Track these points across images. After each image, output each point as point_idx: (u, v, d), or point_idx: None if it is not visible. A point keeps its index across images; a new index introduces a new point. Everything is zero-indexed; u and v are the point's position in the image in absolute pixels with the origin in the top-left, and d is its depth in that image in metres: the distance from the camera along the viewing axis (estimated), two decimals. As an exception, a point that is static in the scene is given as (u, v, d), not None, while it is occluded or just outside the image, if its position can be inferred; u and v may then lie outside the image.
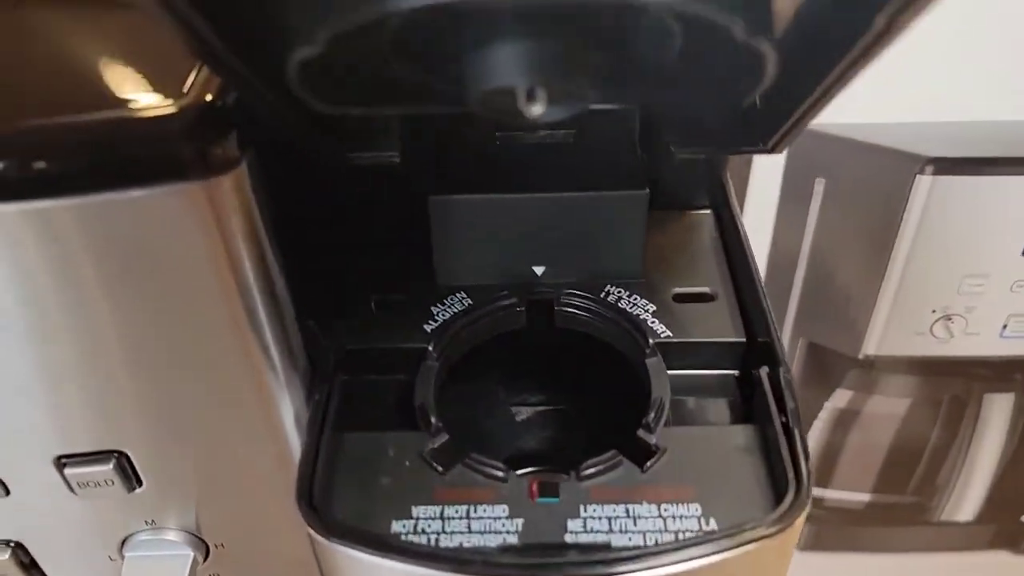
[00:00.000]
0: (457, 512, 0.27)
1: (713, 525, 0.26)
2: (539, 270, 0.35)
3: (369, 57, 0.18)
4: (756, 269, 0.34)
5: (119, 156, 0.22)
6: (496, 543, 0.26)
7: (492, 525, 0.27)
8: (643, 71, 0.19)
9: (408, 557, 0.25)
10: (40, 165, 0.22)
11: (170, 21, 0.17)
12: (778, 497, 0.27)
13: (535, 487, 0.28)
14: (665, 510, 0.27)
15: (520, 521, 0.27)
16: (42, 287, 0.24)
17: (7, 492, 0.31)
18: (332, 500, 0.27)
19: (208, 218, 0.24)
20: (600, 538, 0.26)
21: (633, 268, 0.35)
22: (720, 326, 0.33)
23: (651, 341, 0.32)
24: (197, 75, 0.23)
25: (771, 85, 0.19)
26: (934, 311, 0.60)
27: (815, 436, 0.71)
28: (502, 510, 0.27)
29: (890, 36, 0.17)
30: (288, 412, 0.31)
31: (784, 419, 0.28)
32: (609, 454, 0.28)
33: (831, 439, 0.71)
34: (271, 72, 0.19)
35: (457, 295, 0.34)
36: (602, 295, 0.34)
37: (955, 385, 0.66)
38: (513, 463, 0.37)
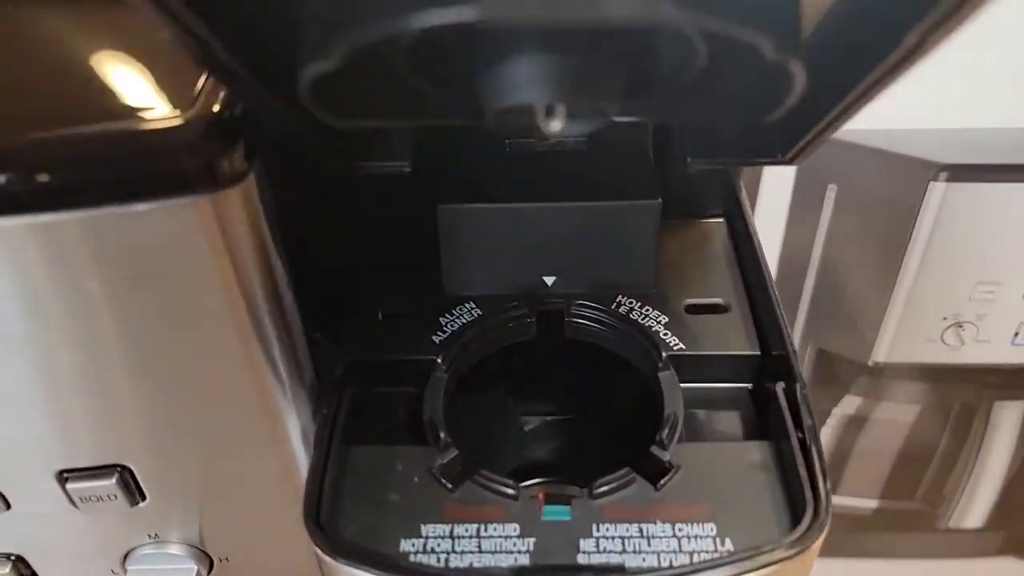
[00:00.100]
0: (467, 531, 0.26)
1: (729, 546, 0.26)
2: (549, 280, 0.34)
3: (383, 72, 0.17)
4: (771, 279, 0.33)
5: (124, 170, 0.22)
6: (507, 563, 0.26)
7: (503, 544, 0.26)
8: (666, 87, 0.18)
9: (418, 578, 0.25)
10: (44, 178, 0.21)
11: (178, 33, 0.16)
12: (795, 516, 0.26)
13: (543, 498, 0.27)
14: (679, 530, 0.26)
15: (531, 540, 0.26)
16: (47, 301, 0.24)
17: (8, 506, 0.30)
18: (339, 517, 0.27)
19: (215, 232, 0.23)
20: (613, 559, 0.26)
21: (645, 279, 0.34)
22: (734, 338, 0.33)
23: (664, 354, 0.31)
24: (203, 85, 0.23)
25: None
26: (945, 318, 0.60)
27: (823, 442, 0.70)
28: (513, 529, 0.26)
29: (922, 52, 0.17)
30: (294, 425, 0.30)
31: (801, 436, 0.28)
32: (622, 472, 0.27)
33: (839, 445, 0.70)
34: (282, 85, 0.18)
35: (466, 305, 0.34)
36: (613, 306, 0.34)
37: (965, 392, 0.66)
38: (521, 473, 0.37)
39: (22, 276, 0.23)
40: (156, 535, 0.32)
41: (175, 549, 0.33)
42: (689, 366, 0.32)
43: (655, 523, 0.26)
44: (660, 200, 0.32)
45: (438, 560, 0.26)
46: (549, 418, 0.38)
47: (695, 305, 0.34)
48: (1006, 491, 0.72)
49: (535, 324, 0.34)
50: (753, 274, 0.35)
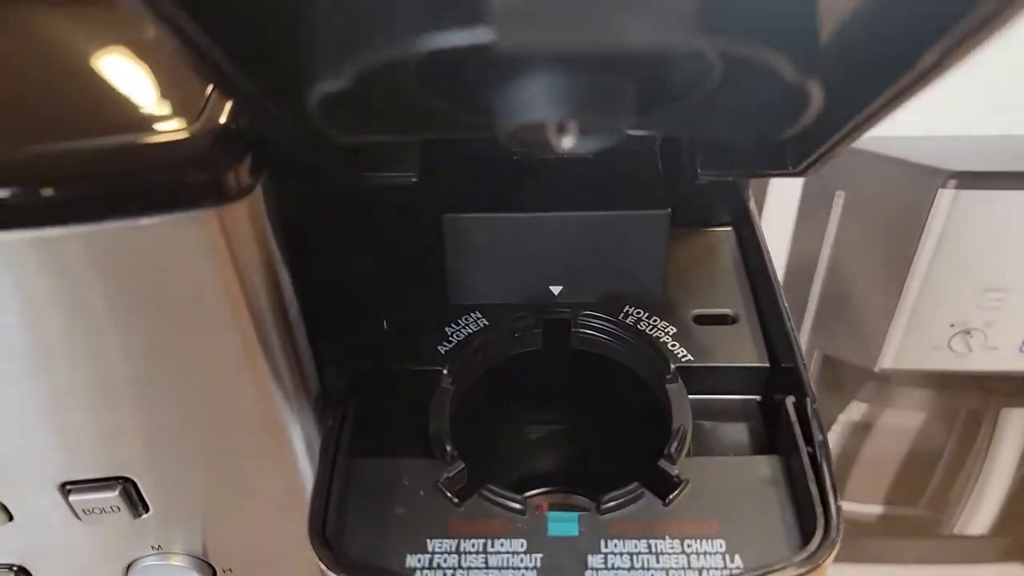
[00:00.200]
0: (474, 546, 0.26)
1: (738, 562, 0.26)
2: (556, 290, 0.34)
3: (394, 88, 0.17)
4: (780, 290, 0.33)
5: (129, 184, 0.21)
6: (514, 580, 0.25)
7: (510, 560, 0.26)
8: (681, 103, 0.18)
9: (424, 595, 0.24)
10: (48, 192, 0.21)
11: (185, 48, 0.16)
12: (805, 533, 0.26)
13: (547, 507, 0.27)
14: (688, 546, 0.26)
15: (539, 556, 0.26)
16: (51, 314, 0.24)
17: (11, 517, 0.30)
18: (344, 531, 0.27)
19: (221, 246, 0.23)
20: (622, 575, 0.25)
21: (653, 289, 0.34)
22: (743, 350, 0.32)
23: (672, 365, 0.31)
24: (210, 98, 0.22)
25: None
26: (952, 325, 0.59)
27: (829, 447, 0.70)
28: (520, 544, 0.26)
29: (941, 71, 0.17)
30: (299, 437, 0.30)
31: (811, 451, 0.27)
32: (631, 486, 0.27)
33: (845, 451, 0.70)
34: (290, 102, 0.18)
35: (472, 315, 0.34)
36: (620, 316, 0.33)
37: (972, 399, 0.65)
38: (526, 482, 0.36)
39: (26, 290, 0.23)
40: (159, 546, 0.32)
41: (178, 560, 0.33)
42: (697, 378, 0.31)
43: (664, 539, 0.26)
44: (670, 210, 0.32)
45: (444, 576, 0.25)
46: (555, 427, 0.38)
47: (703, 316, 0.34)
48: (1011, 497, 0.72)
49: (541, 334, 0.33)
50: (762, 284, 0.35)
